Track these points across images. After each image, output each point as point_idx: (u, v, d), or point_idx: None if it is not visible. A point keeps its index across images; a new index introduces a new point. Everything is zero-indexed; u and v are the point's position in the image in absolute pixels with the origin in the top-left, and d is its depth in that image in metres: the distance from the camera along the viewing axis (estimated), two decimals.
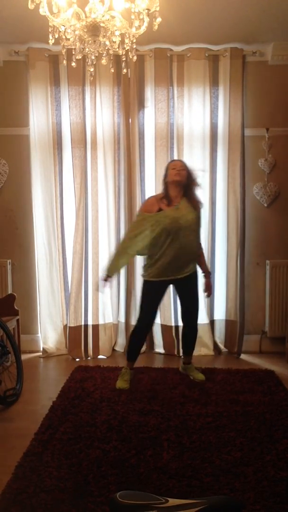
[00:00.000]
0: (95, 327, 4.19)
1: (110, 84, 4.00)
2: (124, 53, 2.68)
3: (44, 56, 3.97)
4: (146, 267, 3.35)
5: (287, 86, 4.10)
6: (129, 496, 1.78)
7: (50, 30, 2.46)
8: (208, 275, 3.50)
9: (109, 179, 4.10)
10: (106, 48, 2.57)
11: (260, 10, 3.38)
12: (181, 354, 4.13)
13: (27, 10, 2.39)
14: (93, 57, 2.66)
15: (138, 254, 3.41)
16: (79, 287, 4.11)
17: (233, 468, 2.28)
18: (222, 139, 4.10)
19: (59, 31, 2.47)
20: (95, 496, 2.05)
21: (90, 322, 4.19)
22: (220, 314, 4.27)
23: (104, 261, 4.13)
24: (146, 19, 2.49)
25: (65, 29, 2.45)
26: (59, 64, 3.99)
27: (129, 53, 2.62)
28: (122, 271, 4.13)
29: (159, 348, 4.26)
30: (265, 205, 4.20)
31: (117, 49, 2.59)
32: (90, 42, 2.49)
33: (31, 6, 2.31)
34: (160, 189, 3.45)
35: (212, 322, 4.25)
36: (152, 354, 4.22)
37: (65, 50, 2.63)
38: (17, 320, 3.98)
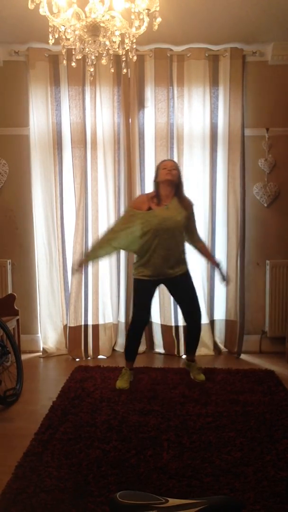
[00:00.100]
0: (95, 327, 4.19)
1: (110, 84, 4.00)
2: (124, 53, 2.68)
3: (44, 56, 3.97)
4: (135, 266, 3.37)
5: (287, 86, 4.10)
6: (129, 496, 1.78)
7: (50, 30, 2.46)
8: (218, 265, 3.52)
9: (109, 179, 4.10)
10: (106, 48, 2.57)
11: (260, 10, 3.38)
12: (181, 353, 4.16)
13: (27, 10, 2.39)
14: (93, 57, 2.66)
15: (125, 250, 3.42)
16: (79, 287, 4.11)
17: (233, 468, 2.28)
18: (222, 139, 4.10)
19: (59, 31, 2.47)
20: (95, 496, 2.05)
21: (90, 322, 4.19)
22: (220, 314, 4.27)
23: (104, 262, 4.14)
24: (146, 19, 2.49)
25: (65, 29, 2.45)
26: (59, 64, 3.99)
27: (129, 53, 2.62)
28: (122, 271, 4.13)
29: (159, 348, 4.26)
30: (265, 205, 4.20)
31: (117, 49, 2.59)
32: (90, 42, 2.49)
33: (31, 6, 2.31)
34: None
35: (212, 322, 4.25)
36: (152, 354, 4.22)
37: (65, 50, 2.63)
38: (17, 320, 3.98)
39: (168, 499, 1.79)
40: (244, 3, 3.27)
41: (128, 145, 4.04)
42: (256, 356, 4.19)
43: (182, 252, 3.38)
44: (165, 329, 4.19)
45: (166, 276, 3.32)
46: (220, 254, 4.19)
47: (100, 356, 4.19)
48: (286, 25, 3.63)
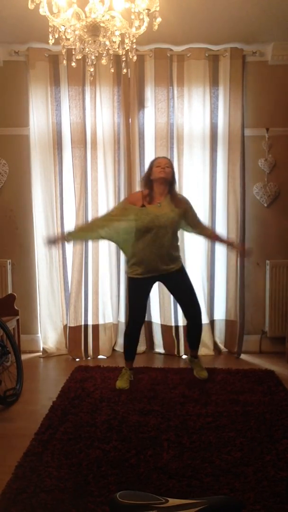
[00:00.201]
0: (95, 327, 4.19)
1: (110, 84, 4.00)
2: (124, 53, 2.68)
3: (44, 56, 3.97)
4: (129, 264, 3.37)
5: (287, 86, 4.10)
6: (129, 496, 1.78)
7: (50, 30, 2.46)
8: (232, 244, 3.58)
9: (109, 179, 4.10)
10: (106, 48, 2.57)
11: (260, 10, 3.38)
12: (181, 353, 4.16)
13: (27, 10, 2.39)
14: (93, 57, 2.66)
15: (110, 240, 3.41)
16: (79, 287, 4.11)
17: (233, 468, 2.28)
18: (222, 139, 4.10)
19: (59, 31, 2.47)
20: (95, 496, 2.05)
21: (90, 322, 4.19)
22: (220, 314, 4.27)
23: (104, 262, 4.15)
24: (146, 19, 2.49)
25: (65, 29, 2.45)
26: (59, 64, 3.99)
27: (129, 53, 2.62)
28: (122, 271, 4.13)
29: (159, 348, 4.26)
30: (265, 205, 4.20)
31: (117, 49, 2.59)
32: (90, 42, 2.49)
33: (31, 6, 2.31)
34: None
35: (212, 322, 4.25)
36: (152, 354, 4.22)
37: (65, 50, 2.63)
38: (17, 320, 3.98)
39: (168, 499, 1.79)
40: (244, 3, 3.27)
41: (128, 145, 4.03)
42: (256, 356, 4.19)
43: (175, 249, 3.38)
44: (165, 329, 4.19)
45: (160, 272, 3.31)
46: (220, 254, 4.19)
47: (100, 356, 4.19)
48: (286, 25, 3.63)
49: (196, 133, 4.07)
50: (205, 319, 4.13)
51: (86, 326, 4.18)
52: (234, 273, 4.14)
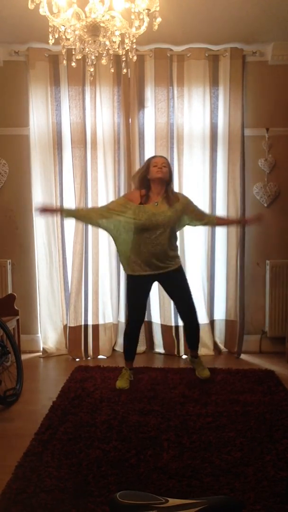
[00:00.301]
0: (95, 327, 4.19)
1: (110, 84, 4.00)
2: (124, 53, 2.68)
3: (44, 56, 3.97)
4: (126, 262, 3.36)
5: (287, 86, 4.10)
6: (129, 496, 1.78)
7: (50, 30, 2.46)
8: (239, 221, 3.73)
9: (109, 179, 4.10)
10: (106, 48, 2.57)
11: (260, 10, 3.38)
12: (181, 353, 4.16)
13: (27, 10, 2.39)
14: (93, 57, 2.66)
15: (105, 230, 3.39)
16: (79, 287, 4.11)
17: (233, 468, 2.28)
18: (222, 139, 4.10)
19: (59, 31, 2.47)
20: (95, 496, 2.05)
21: (90, 322, 4.19)
22: (220, 314, 4.27)
23: (104, 262, 4.15)
24: (146, 19, 2.49)
25: (65, 29, 2.46)
26: (59, 64, 3.99)
27: (129, 53, 2.62)
28: (122, 271, 4.12)
29: (159, 348, 4.26)
30: (265, 205, 4.20)
31: (117, 49, 2.59)
32: (90, 42, 2.49)
33: (31, 6, 2.32)
34: None
35: (212, 322, 4.25)
36: (152, 354, 4.22)
37: (65, 50, 2.63)
38: (17, 320, 3.98)
39: (168, 499, 1.79)
40: (244, 3, 3.27)
41: (128, 145, 4.04)
42: (256, 356, 4.19)
43: (173, 249, 3.35)
44: (165, 329, 4.19)
45: (157, 270, 3.28)
46: (220, 254, 4.20)
47: (100, 356, 4.19)
48: (286, 25, 3.63)
49: (196, 133, 4.07)
50: (205, 319, 4.13)
51: (86, 326, 4.18)
52: (234, 273, 4.14)
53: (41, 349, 4.24)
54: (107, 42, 2.51)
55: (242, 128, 4.02)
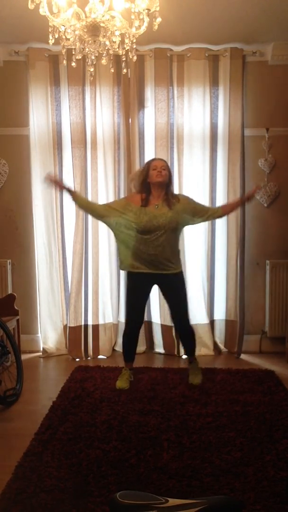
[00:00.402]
0: (95, 327, 4.19)
1: (110, 84, 4.00)
2: (124, 53, 2.68)
3: (44, 56, 3.97)
4: (125, 259, 3.33)
5: (287, 86, 4.11)
6: (129, 496, 1.78)
7: (50, 30, 2.46)
8: (243, 199, 3.61)
9: (109, 179, 4.10)
10: (106, 48, 2.57)
11: (260, 10, 3.38)
12: (181, 353, 4.15)
13: (27, 10, 2.39)
14: (93, 57, 2.66)
15: (110, 227, 3.37)
16: (79, 287, 4.11)
17: (233, 468, 2.28)
18: (222, 139, 4.10)
19: (59, 31, 2.47)
20: (95, 496, 2.05)
21: (90, 322, 4.19)
22: (220, 314, 4.27)
23: (104, 262, 4.15)
24: (146, 19, 2.49)
25: (65, 29, 2.46)
26: (59, 64, 3.99)
27: (129, 53, 2.62)
28: (122, 271, 4.12)
29: (159, 348, 4.26)
30: (265, 205, 4.20)
31: (117, 49, 2.59)
32: (90, 42, 2.49)
33: (31, 6, 2.32)
34: None
35: (212, 322, 4.25)
36: (152, 354, 4.22)
37: (65, 50, 2.63)
38: (17, 320, 3.98)
39: (168, 499, 1.79)
40: (244, 3, 3.27)
41: (128, 145, 4.04)
42: (256, 356, 4.19)
43: (174, 252, 3.31)
44: (165, 329, 4.19)
45: (158, 271, 3.25)
46: (220, 254, 4.20)
47: (100, 356, 4.19)
48: (286, 25, 3.63)
49: (196, 133, 4.08)
50: (205, 319, 4.14)
51: (86, 326, 4.18)
52: (234, 273, 4.14)
53: (41, 349, 4.24)
54: (107, 42, 2.51)
55: (242, 128, 4.03)
